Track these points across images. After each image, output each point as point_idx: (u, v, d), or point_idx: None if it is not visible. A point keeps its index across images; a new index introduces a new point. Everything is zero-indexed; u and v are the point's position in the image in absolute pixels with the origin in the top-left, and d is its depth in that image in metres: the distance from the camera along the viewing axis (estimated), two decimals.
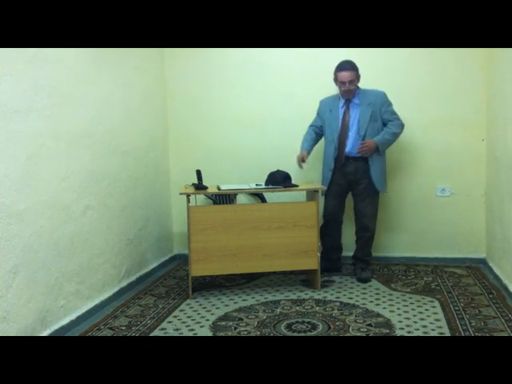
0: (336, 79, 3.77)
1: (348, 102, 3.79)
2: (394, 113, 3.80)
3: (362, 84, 3.83)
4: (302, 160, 3.85)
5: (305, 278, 3.96)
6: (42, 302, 2.78)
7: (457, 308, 3.22)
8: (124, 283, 3.73)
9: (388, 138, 3.77)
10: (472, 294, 3.47)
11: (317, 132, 3.97)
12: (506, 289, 3.40)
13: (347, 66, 3.71)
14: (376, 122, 3.76)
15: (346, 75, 3.68)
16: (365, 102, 3.75)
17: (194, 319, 3.19)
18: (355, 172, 3.82)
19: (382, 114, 3.77)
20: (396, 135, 3.81)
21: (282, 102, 4.39)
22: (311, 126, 4.00)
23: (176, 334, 2.96)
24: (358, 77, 3.73)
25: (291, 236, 3.59)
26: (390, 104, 3.80)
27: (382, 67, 4.20)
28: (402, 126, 3.81)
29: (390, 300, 3.42)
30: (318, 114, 3.97)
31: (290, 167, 3.95)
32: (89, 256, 3.26)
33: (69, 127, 3.06)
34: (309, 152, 3.90)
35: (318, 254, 3.63)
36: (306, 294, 3.60)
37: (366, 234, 3.94)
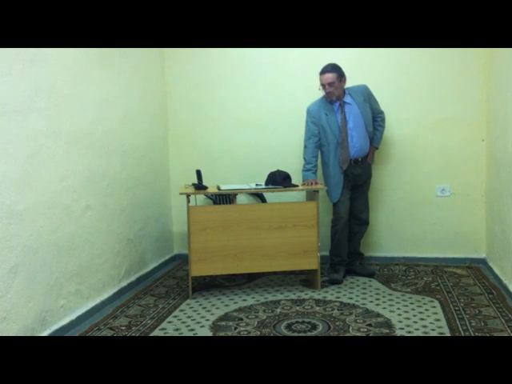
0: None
1: (342, 102, 3.76)
2: (378, 103, 3.92)
3: (363, 83, 3.84)
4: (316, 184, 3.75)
5: (305, 278, 3.96)
6: (41, 301, 2.78)
7: (457, 308, 3.22)
8: (124, 283, 3.73)
9: (381, 136, 3.97)
10: (472, 294, 3.47)
11: (317, 144, 3.81)
12: (506, 289, 3.40)
13: (327, 68, 3.70)
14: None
15: (324, 78, 3.70)
16: (359, 99, 3.77)
17: (194, 319, 3.19)
18: (364, 173, 3.89)
19: (372, 105, 3.86)
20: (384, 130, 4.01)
21: (281, 102, 4.38)
22: (310, 138, 3.78)
23: (176, 334, 2.97)
24: (340, 78, 3.69)
25: (291, 236, 3.59)
26: (373, 94, 3.88)
27: (382, 67, 4.20)
28: (385, 117, 3.95)
29: (390, 300, 3.42)
30: (313, 122, 3.78)
31: (290, 167, 3.95)
32: (89, 256, 3.26)
33: (69, 127, 3.06)
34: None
35: (318, 254, 3.63)
36: (306, 294, 3.60)
37: (364, 228, 4.05)
